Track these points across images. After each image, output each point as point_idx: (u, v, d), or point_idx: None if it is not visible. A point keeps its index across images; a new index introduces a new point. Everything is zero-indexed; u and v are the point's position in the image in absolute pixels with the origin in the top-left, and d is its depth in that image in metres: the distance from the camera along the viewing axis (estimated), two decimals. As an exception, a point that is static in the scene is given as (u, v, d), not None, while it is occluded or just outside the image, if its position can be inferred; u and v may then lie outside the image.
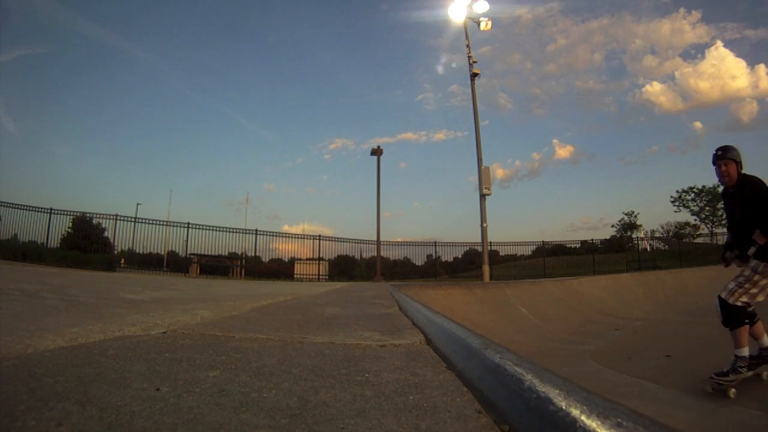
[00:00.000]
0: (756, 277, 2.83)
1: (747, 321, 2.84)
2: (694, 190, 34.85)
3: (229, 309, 2.25)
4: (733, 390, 2.77)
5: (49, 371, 0.75)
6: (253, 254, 16.04)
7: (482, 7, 12.50)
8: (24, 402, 0.57)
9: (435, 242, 17.77)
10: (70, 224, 13.71)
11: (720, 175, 3.02)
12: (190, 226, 14.20)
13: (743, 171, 3.01)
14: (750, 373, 2.83)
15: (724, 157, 2.99)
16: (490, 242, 14.42)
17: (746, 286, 2.84)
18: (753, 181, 2.89)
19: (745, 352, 2.82)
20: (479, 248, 13.05)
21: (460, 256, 19.38)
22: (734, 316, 2.84)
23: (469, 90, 12.59)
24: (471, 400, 0.63)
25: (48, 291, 2.87)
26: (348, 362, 0.92)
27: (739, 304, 2.83)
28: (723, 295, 2.90)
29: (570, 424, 0.43)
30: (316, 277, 15.49)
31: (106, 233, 14.31)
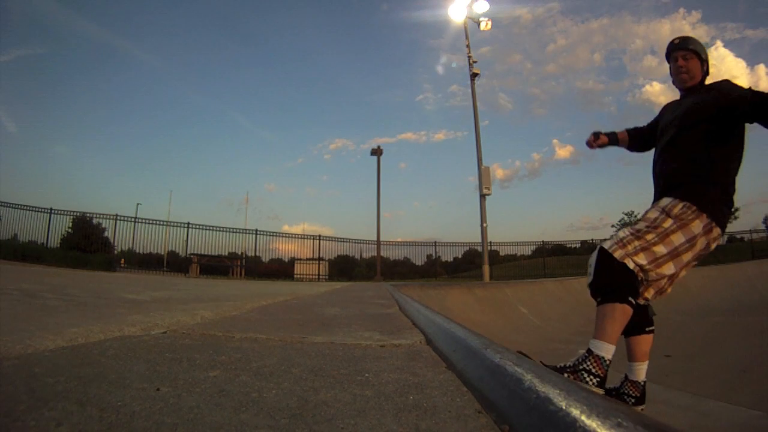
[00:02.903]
0: (667, 224, 1.65)
1: (631, 299, 1.62)
2: (694, 190, 34.80)
3: (229, 309, 2.25)
4: None
5: (49, 371, 0.75)
6: (253, 254, 16.05)
7: (482, 7, 12.52)
8: (24, 402, 0.57)
9: (435, 242, 17.79)
10: (70, 224, 13.72)
11: (676, 71, 1.93)
12: (190, 226, 14.20)
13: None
14: (600, 392, 1.61)
15: (684, 47, 1.91)
16: (490, 242, 14.43)
17: (648, 237, 1.64)
18: (725, 82, 1.82)
19: (608, 351, 1.61)
20: (479, 248, 13.06)
21: (460, 256, 19.39)
22: (613, 280, 1.64)
23: (469, 90, 12.61)
24: (471, 400, 0.63)
25: (48, 291, 2.87)
26: (348, 362, 0.92)
27: (630, 264, 1.61)
28: (606, 245, 1.69)
29: (570, 424, 0.43)
30: (316, 277, 15.50)
31: (106, 233, 14.32)
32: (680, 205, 1.69)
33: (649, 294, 1.87)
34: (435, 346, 1.18)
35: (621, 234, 1.73)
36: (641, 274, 1.67)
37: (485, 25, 12.53)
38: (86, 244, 13.36)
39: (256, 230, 15.60)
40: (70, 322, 1.48)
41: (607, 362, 1.63)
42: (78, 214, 13.72)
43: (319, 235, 16.34)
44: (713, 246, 1.76)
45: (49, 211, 12.52)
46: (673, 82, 2.02)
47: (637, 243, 1.67)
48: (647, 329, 1.89)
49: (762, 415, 2.37)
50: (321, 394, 0.66)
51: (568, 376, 1.60)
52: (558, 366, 1.66)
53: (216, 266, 15.67)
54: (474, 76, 12.48)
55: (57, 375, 0.72)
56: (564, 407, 0.45)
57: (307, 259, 16.60)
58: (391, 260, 19.46)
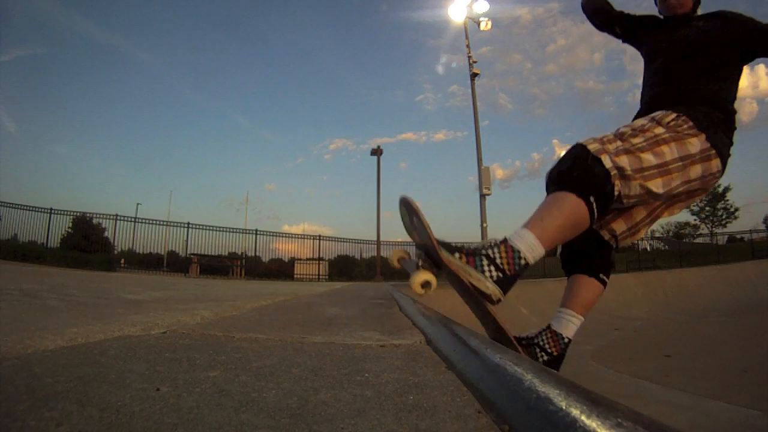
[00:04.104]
0: (658, 131, 1.32)
1: (593, 200, 1.23)
2: (694, 190, 34.84)
3: (229, 309, 2.25)
4: (423, 280, 1.22)
5: (49, 371, 0.75)
6: (253, 254, 16.06)
7: (482, 7, 12.51)
8: (24, 402, 0.57)
9: (435, 242, 17.76)
10: (70, 224, 13.74)
11: None
12: (190, 226, 14.22)
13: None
14: (497, 293, 1.18)
15: None
16: (490, 242, 14.39)
17: (634, 140, 1.30)
18: (730, 13, 1.55)
19: (530, 248, 1.20)
20: (479, 248, 13.02)
21: (460, 256, 19.36)
22: (577, 167, 1.26)
23: (469, 90, 12.61)
24: (471, 400, 0.63)
25: (48, 291, 2.87)
26: (348, 362, 0.92)
27: (606, 162, 1.24)
28: (583, 141, 1.32)
29: (570, 424, 0.43)
30: (316, 277, 15.51)
31: (106, 233, 14.35)
32: (673, 115, 1.35)
33: (618, 227, 1.50)
34: (435, 346, 1.18)
35: (603, 134, 1.34)
36: (618, 185, 1.24)
37: (485, 25, 12.53)
38: (86, 244, 13.38)
39: (256, 230, 15.63)
40: (70, 322, 1.48)
41: (522, 261, 1.18)
42: (78, 214, 13.75)
43: (319, 235, 16.36)
44: (710, 185, 1.42)
45: (49, 211, 12.53)
46: (660, 11, 1.74)
47: (619, 143, 1.28)
48: (601, 276, 1.51)
49: (762, 415, 2.37)
50: (321, 394, 0.66)
51: (460, 257, 1.19)
52: (452, 244, 1.24)
53: (216, 266, 15.68)
54: (474, 76, 12.48)
55: (57, 375, 0.72)
56: (564, 407, 0.45)
57: (307, 259, 16.62)
58: (391, 260, 19.42)
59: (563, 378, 0.58)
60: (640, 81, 1.87)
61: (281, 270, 16.87)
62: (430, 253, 1.26)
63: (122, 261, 14.57)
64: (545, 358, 1.47)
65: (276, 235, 16.91)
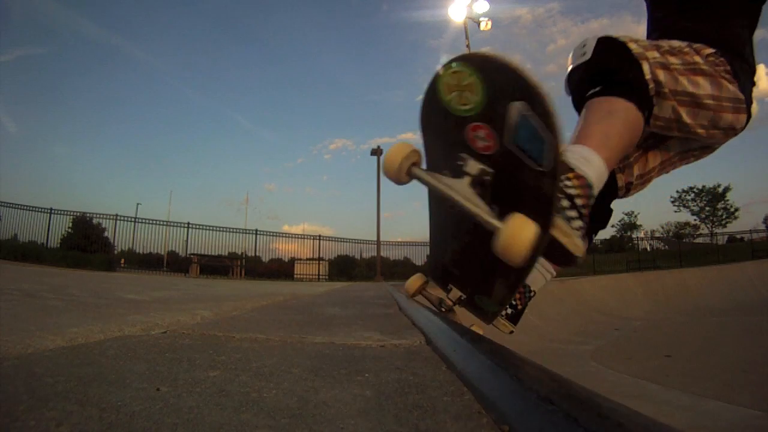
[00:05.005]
0: (697, 59, 1.15)
1: (638, 102, 1.03)
2: (694, 190, 35.04)
3: (229, 309, 2.25)
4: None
5: (49, 371, 0.75)
6: (253, 254, 16.08)
7: (482, 7, 12.54)
8: (24, 402, 0.57)
9: (435, 242, 17.78)
10: (70, 224, 13.75)
11: None
12: (190, 226, 14.23)
13: None
14: (579, 249, 0.91)
15: None
16: (490, 242, 14.42)
17: (671, 59, 1.12)
18: None
19: (597, 171, 0.93)
20: (479, 248, 13.03)
21: (460, 256, 19.39)
22: (626, 66, 1.04)
23: (469, 90, 12.60)
24: (471, 400, 0.63)
25: (48, 291, 2.87)
26: (348, 362, 0.92)
27: (646, 70, 1.05)
28: (617, 36, 1.11)
29: (570, 424, 0.43)
30: (316, 277, 15.52)
31: (106, 233, 14.36)
32: (712, 51, 1.15)
33: (637, 171, 1.34)
34: (435, 346, 1.18)
35: (631, 34, 1.13)
36: (653, 101, 1.05)
37: (485, 25, 12.55)
38: (86, 244, 13.39)
39: (256, 230, 15.64)
40: (70, 322, 1.48)
41: (593, 188, 0.92)
42: (78, 214, 13.76)
43: (319, 235, 16.38)
44: (727, 140, 1.30)
45: (49, 211, 12.54)
46: None
47: (657, 54, 1.08)
48: (592, 235, 1.35)
49: (762, 415, 2.37)
50: (321, 394, 0.66)
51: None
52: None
53: (216, 266, 15.69)
54: (474, 76, 12.47)
55: (57, 375, 0.72)
56: (564, 407, 0.45)
57: (307, 259, 16.63)
58: (391, 260, 19.50)
59: (563, 378, 0.58)
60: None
61: (281, 270, 16.88)
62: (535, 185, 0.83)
63: (122, 261, 14.58)
64: (509, 311, 1.30)
65: (276, 235, 16.94)
